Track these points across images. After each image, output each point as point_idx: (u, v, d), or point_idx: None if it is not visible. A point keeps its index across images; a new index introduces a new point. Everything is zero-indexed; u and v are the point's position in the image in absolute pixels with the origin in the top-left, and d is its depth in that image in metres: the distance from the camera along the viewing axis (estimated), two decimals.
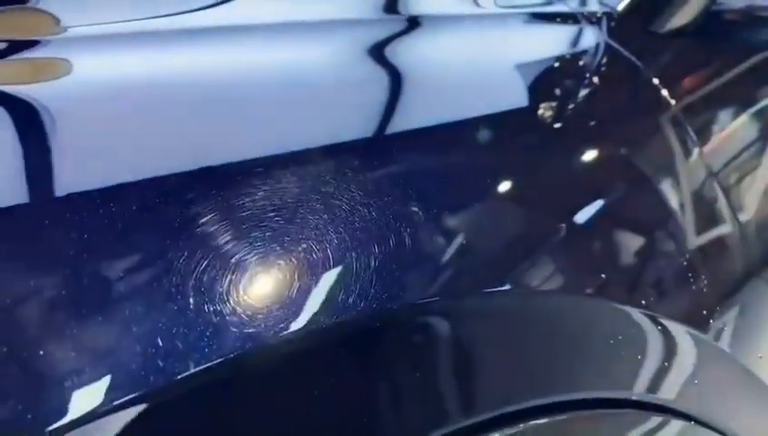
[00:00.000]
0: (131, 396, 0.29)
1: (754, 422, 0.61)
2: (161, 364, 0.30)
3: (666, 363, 0.52)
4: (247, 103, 0.43)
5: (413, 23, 0.57)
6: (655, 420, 0.54)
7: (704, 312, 0.53)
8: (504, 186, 0.47)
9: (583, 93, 0.59)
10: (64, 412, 0.28)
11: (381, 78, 0.50)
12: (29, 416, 0.28)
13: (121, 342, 0.30)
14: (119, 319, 0.31)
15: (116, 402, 0.29)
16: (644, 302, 0.49)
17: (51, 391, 0.29)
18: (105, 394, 0.29)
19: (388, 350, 0.37)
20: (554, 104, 0.54)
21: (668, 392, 0.53)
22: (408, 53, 0.53)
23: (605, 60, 0.64)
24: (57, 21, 0.47)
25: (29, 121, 0.38)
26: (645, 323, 0.50)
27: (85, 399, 0.29)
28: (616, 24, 0.68)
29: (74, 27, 0.46)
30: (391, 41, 0.53)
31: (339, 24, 0.53)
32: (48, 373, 0.29)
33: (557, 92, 0.56)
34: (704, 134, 0.65)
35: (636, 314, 0.50)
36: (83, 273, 0.32)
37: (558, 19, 0.67)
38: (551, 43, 0.62)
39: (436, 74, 0.52)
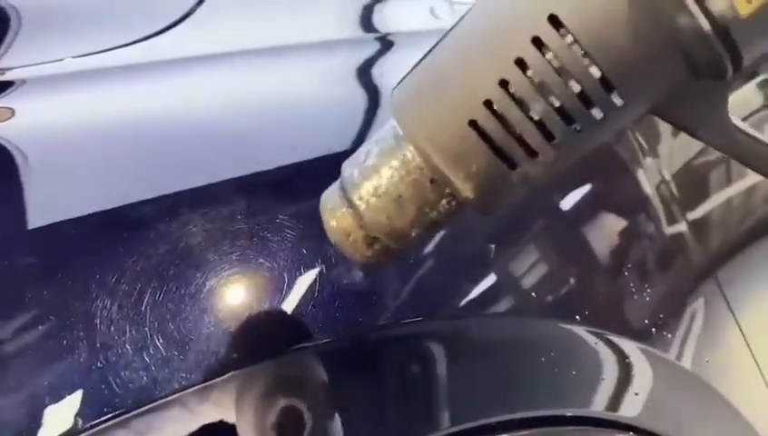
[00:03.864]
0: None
1: (706, 429, 0.63)
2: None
3: (618, 380, 0.54)
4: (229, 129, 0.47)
5: (384, 41, 0.60)
6: None
7: (646, 321, 0.56)
8: None
9: None
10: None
11: (357, 96, 0.53)
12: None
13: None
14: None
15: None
16: (584, 318, 0.52)
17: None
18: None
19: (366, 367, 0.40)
20: None
21: (628, 410, 0.55)
22: (381, 70, 0.56)
23: None
24: None
25: None
26: (591, 340, 0.53)
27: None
28: None
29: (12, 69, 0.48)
30: (365, 60, 0.57)
31: (315, 47, 0.57)
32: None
33: None
34: (653, 140, 0.66)
35: (582, 332, 0.53)
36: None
37: None
38: None
39: None
